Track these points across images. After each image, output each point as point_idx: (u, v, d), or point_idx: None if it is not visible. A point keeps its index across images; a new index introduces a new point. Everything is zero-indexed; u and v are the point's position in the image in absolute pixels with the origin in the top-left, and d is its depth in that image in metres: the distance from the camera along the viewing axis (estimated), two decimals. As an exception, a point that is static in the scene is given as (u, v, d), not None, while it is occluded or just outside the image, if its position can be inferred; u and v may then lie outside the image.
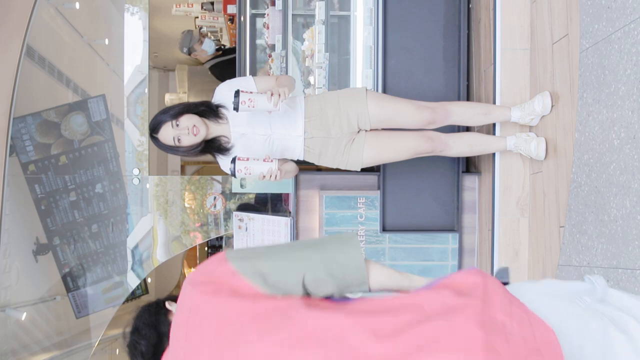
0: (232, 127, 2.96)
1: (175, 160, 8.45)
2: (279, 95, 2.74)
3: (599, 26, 2.69)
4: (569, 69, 2.98)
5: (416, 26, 3.72)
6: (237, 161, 2.80)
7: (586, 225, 2.79)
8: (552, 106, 3.15)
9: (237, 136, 2.97)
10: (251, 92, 2.79)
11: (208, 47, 5.83)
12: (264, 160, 2.82)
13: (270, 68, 4.28)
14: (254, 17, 4.36)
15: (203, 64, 6.18)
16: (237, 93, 2.76)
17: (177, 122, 2.83)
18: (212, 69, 6.10)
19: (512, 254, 3.50)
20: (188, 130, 2.82)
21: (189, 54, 6.04)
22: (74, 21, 5.63)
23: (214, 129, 2.94)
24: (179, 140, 2.84)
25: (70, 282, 5.33)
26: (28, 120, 5.02)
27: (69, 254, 5.27)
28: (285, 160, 3.13)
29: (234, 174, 2.81)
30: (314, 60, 3.90)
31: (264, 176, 2.82)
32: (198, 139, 2.86)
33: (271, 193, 4.70)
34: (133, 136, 5.37)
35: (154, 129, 2.88)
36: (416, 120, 3.14)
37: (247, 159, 2.82)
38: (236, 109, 2.76)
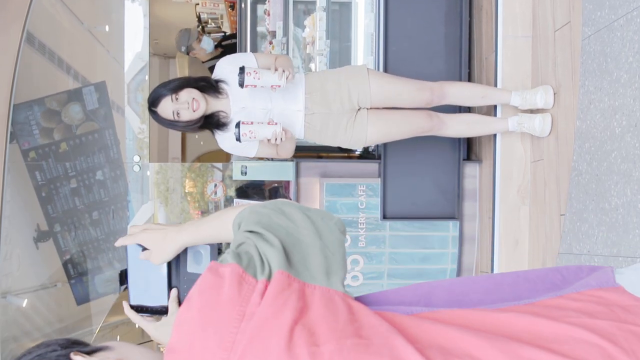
0: (232, 102, 2.94)
1: (176, 147, 8.44)
2: (284, 71, 2.77)
3: (602, 13, 2.68)
4: (571, 57, 2.97)
5: (418, 13, 3.71)
6: (241, 125, 2.78)
7: (587, 213, 2.79)
8: (554, 102, 3.13)
9: (237, 110, 2.95)
10: (256, 68, 2.80)
11: (207, 45, 5.74)
12: (268, 124, 2.82)
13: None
14: (254, 3, 4.34)
15: (203, 62, 6.12)
16: (242, 69, 2.75)
17: (177, 96, 2.81)
18: (211, 68, 6.05)
19: (512, 242, 3.50)
20: (188, 105, 2.81)
21: (187, 53, 5.98)
22: (74, 8, 5.61)
23: (213, 104, 2.93)
24: (178, 114, 2.83)
25: (71, 269, 5.34)
26: (34, 108, 5.01)
27: (70, 241, 5.28)
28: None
29: (238, 138, 2.79)
30: (314, 47, 3.89)
31: (269, 140, 2.81)
32: (198, 114, 2.84)
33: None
34: (134, 123, 5.37)
35: (153, 102, 2.85)
36: (416, 101, 3.15)
37: (252, 123, 2.81)
38: (241, 84, 2.75)
